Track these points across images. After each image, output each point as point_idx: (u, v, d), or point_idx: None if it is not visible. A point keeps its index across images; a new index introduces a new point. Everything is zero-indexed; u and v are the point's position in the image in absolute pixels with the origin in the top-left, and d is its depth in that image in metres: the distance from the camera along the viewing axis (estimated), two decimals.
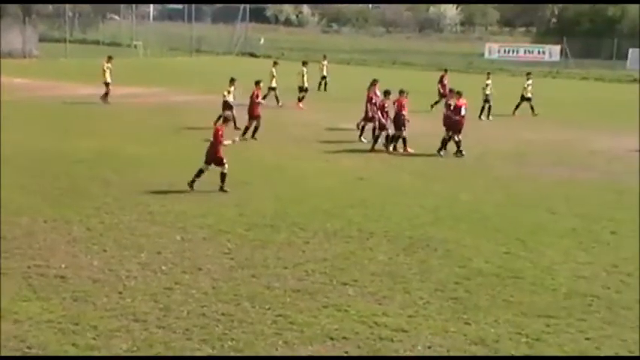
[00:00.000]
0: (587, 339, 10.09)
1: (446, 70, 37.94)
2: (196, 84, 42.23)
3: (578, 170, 22.26)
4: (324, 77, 42.35)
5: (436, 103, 33.91)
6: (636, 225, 16.01)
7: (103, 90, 32.72)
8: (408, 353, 9.51)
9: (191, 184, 17.74)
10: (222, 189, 17.77)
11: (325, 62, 42.99)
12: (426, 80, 36.39)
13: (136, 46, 69.01)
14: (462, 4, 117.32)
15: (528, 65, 65.52)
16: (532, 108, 33.62)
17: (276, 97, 34.19)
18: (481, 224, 15.76)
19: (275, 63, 36.47)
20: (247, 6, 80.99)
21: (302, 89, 35.76)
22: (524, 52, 73.64)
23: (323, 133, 26.44)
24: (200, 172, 17.89)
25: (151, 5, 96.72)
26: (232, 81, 27.60)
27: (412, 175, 20.61)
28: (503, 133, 24.35)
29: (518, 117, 33.39)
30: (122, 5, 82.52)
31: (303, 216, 15.77)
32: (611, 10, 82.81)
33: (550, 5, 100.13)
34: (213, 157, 17.84)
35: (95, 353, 9.17)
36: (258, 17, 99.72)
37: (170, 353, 9.29)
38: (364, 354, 9.46)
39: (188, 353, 9.31)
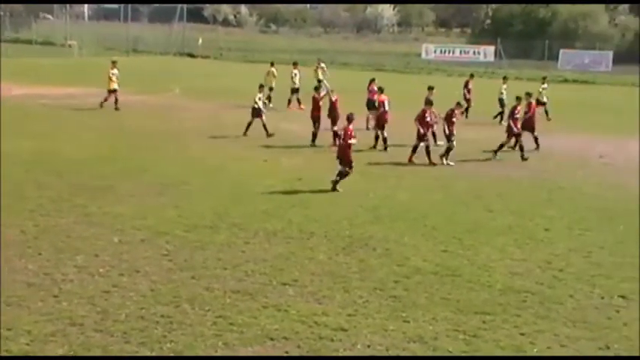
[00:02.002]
0: (521, 334, 10.31)
1: (472, 75, 36.72)
2: (133, 84, 41.68)
3: (513, 169, 22.67)
4: (319, 81, 39.60)
5: (466, 109, 32.95)
6: (567, 221, 16.40)
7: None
8: (348, 352, 9.59)
9: (334, 185, 18.57)
10: (334, 187, 18.54)
11: (323, 65, 40.00)
12: (364, 80, 36.56)
13: (70, 46, 67.88)
14: (398, 4, 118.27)
15: (464, 65, 66.53)
16: (546, 112, 33.41)
17: (269, 98, 33.84)
18: (420, 223, 15.94)
19: (272, 64, 36.13)
20: (184, 6, 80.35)
21: (294, 90, 35.23)
22: (460, 52, 74.59)
23: (263, 134, 26.38)
24: (340, 173, 18.71)
25: (85, 5, 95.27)
26: (261, 87, 27.56)
27: (352, 175, 20.68)
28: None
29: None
30: (55, 5, 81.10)
31: (243, 216, 15.74)
32: (542, 11, 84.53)
33: (484, 6, 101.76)
34: (345, 157, 18.66)
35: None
36: (196, 17, 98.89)
37: None
38: (304, 354, 9.51)
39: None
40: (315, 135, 25.29)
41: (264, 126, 26.23)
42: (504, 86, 33.27)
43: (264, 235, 14.50)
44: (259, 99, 26.81)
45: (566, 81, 58.94)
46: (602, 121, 31.75)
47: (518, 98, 24.76)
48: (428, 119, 22.90)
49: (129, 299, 10.98)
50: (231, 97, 37.27)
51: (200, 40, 75.89)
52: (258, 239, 14.26)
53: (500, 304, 11.36)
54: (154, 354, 9.32)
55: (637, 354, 9.88)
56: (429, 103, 23.27)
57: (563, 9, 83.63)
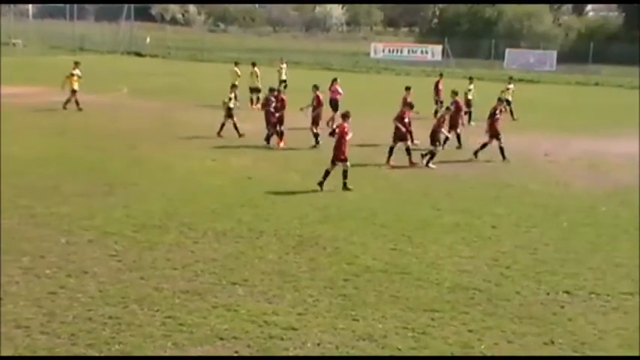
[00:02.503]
0: (469, 331, 10.44)
1: (441, 75, 36.57)
2: (81, 83, 41.09)
3: (461, 167, 22.93)
4: (283, 81, 38.73)
5: (436, 111, 32.71)
6: (514, 219, 16.65)
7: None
8: (298, 351, 9.61)
9: (320, 184, 18.66)
10: (345, 187, 18.66)
11: (284, 65, 40.08)
12: (312, 79, 36.62)
13: (14, 44, 66.69)
14: (346, 4, 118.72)
15: (412, 65, 67.11)
16: (512, 112, 33.57)
17: (257, 98, 33.57)
18: (369, 222, 16.03)
19: (254, 64, 35.74)
20: (132, 5, 79.45)
21: (254, 90, 34.99)
22: (408, 51, 75.11)
23: (212, 133, 26.25)
24: (327, 173, 18.75)
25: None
26: (233, 87, 27.11)
27: (301, 174, 20.74)
28: (391, 132, 24.80)
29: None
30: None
31: (192, 216, 15.66)
32: (489, 11, 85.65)
33: (431, 6, 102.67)
34: (340, 155, 18.65)
35: None
36: (144, 16, 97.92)
37: None
38: (254, 353, 9.50)
39: None
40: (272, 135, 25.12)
41: (235, 125, 25.98)
42: (471, 86, 33.22)
43: (213, 235, 14.44)
44: (230, 99, 26.41)
45: (511, 80, 59.71)
46: (546, 119, 32.26)
47: (500, 99, 24.89)
48: (406, 120, 22.95)
49: (76, 300, 10.85)
50: (180, 96, 37.09)
51: (148, 39, 75.20)
52: (208, 239, 14.20)
53: (449, 302, 11.49)
54: (102, 355, 9.23)
55: (582, 348, 10.08)
56: (409, 105, 23.47)
57: (509, 9, 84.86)
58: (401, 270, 12.85)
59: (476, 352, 9.80)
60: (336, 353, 9.61)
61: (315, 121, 25.39)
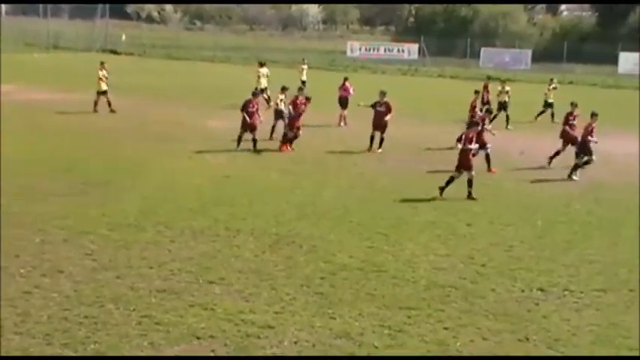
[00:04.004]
0: (445, 328, 10.50)
1: (489, 78, 35.85)
2: (56, 81, 40.88)
3: (437, 165, 22.99)
4: (303, 82, 36.42)
5: (495, 116, 32.80)
6: (489, 217, 16.75)
7: None
8: (275, 349, 9.62)
9: (441, 190, 18.45)
10: (470, 196, 18.35)
11: (305, 66, 39.03)
12: (289, 78, 36.63)
13: None
14: (323, 3, 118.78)
15: (388, 63, 67.26)
16: (552, 115, 33.05)
17: (269, 97, 32.48)
18: (345, 219, 16.07)
19: (262, 64, 35.13)
20: (107, 4, 78.94)
21: (262, 90, 34.35)
22: (385, 50, 75.35)
23: (189, 131, 26.19)
24: (451, 179, 18.52)
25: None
26: (284, 89, 25.96)
27: (278, 173, 20.75)
28: (365, 131, 24.94)
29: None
30: None
31: (168, 215, 15.61)
32: (464, 10, 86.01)
33: (407, 5, 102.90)
34: (464, 163, 18.42)
35: None
36: (119, 14, 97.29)
37: None
38: (231, 352, 9.50)
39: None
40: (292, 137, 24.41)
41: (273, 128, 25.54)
42: (507, 88, 32.85)
43: (190, 234, 14.41)
44: (281, 100, 25.54)
45: (488, 79, 59.99)
46: (522, 118, 32.41)
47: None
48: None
49: (51, 300, 10.79)
50: (156, 95, 36.92)
51: (123, 37, 74.77)
52: (184, 238, 14.17)
53: (425, 299, 11.55)
54: (77, 355, 9.19)
55: (557, 345, 10.17)
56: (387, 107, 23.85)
57: (484, 8, 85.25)
58: (377, 268, 12.90)
59: (451, 350, 9.86)
60: (312, 351, 9.64)
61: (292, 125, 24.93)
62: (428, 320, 10.76)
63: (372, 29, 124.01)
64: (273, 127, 25.48)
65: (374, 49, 75.82)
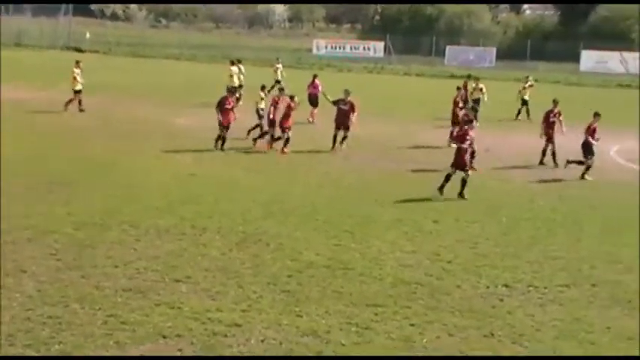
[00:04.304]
0: (411, 325, 10.56)
1: (469, 76, 35.62)
2: (19, 79, 40.33)
3: (403, 162, 23.12)
4: (278, 81, 36.42)
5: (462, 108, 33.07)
6: (455, 214, 16.87)
7: None
8: (242, 347, 9.61)
9: (441, 189, 18.35)
10: (461, 195, 18.24)
11: (279, 65, 38.88)
12: (257, 76, 36.59)
13: None
14: (289, 3, 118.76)
15: (355, 61, 67.36)
16: (527, 112, 33.27)
17: (240, 96, 32.30)
18: (312, 217, 16.09)
19: (238, 61, 35.16)
20: (70, 4, 78.16)
21: (236, 89, 34.23)
22: (351, 48, 75.51)
23: (155, 129, 26.04)
24: (448, 176, 18.40)
25: None
26: (263, 88, 26.18)
27: (245, 171, 20.72)
28: (331, 129, 25.02)
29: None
30: None
31: (134, 213, 15.51)
32: (429, 8, 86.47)
33: (373, 4, 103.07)
34: (458, 161, 18.36)
35: None
36: (83, 11, 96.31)
37: None
38: (198, 350, 9.47)
39: None
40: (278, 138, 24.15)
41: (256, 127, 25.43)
42: (481, 86, 33.09)
43: (155, 232, 14.34)
44: (262, 99, 25.63)
45: (453, 76, 60.35)
46: (487, 115, 32.64)
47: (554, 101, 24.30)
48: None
49: (14, 300, 10.67)
50: (122, 93, 36.65)
51: (87, 35, 74.05)
52: (150, 236, 14.09)
53: (391, 296, 11.61)
54: (40, 355, 9.11)
55: (521, 340, 10.27)
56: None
57: (449, 7, 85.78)
58: (344, 265, 12.93)
59: (418, 346, 9.92)
60: (279, 349, 9.64)
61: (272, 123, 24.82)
62: (394, 317, 10.81)
63: (338, 27, 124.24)
64: (257, 125, 25.40)
65: (340, 47, 75.95)
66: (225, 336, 9.89)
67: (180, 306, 10.77)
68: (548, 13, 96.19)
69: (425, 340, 10.09)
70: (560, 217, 17.17)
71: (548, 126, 23.57)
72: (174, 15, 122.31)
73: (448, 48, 71.06)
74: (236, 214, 15.92)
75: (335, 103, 24.48)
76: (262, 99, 25.55)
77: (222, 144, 23.41)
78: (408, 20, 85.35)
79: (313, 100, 30.49)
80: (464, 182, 18.54)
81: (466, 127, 19.41)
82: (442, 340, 10.14)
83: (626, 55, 63.95)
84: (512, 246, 14.61)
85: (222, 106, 23.46)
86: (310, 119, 30.02)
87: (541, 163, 23.40)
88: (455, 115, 26.08)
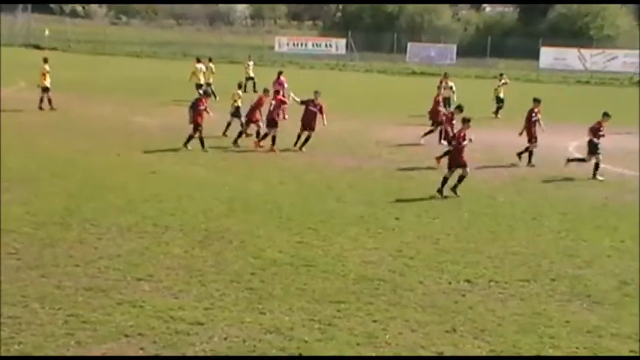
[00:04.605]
0: (374, 321, 10.61)
1: (445, 74, 35.42)
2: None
3: (364, 159, 23.22)
4: (250, 78, 37.86)
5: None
6: (417, 210, 16.98)
7: None
8: (205, 346, 9.58)
9: (440, 192, 18.35)
10: (455, 189, 18.52)
11: (251, 63, 39.41)
12: (217, 73, 36.45)
13: None
14: (250, 3, 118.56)
15: (317, 58, 67.45)
16: (498, 110, 33.38)
17: (213, 93, 32.18)
18: (274, 214, 16.09)
19: (209, 60, 35.19)
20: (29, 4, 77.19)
21: (200, 86, 34.07)
22: (313, 45, 75.54)
23: (116, 127, 25.80)
24: (445, 179, 18.35)
25: None
26: (240, 86, 26.14)
27: (207, 168, 20.65)
28: (295, 126, 25.01)
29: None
30: None
31: (95, 212, 15.38)
32: (390, 6, 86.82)
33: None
34: (457, 160, 18.31)
35: None
36: (42, 8, 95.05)
37: None
38: (160, 349, 9.43)
39: None
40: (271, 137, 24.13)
41: (228, 126, 25.55)
42: (451, 83, 33.50)
43: (117, 231, 14.23)
44: (239, 97, 25.63)
45: (414, 73, 60.79)
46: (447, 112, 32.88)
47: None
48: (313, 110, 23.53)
49: None
50: (82, 90, 36.26)
51: (47, 32, 73.16)
52: (112, 235, 13.99)
53: (354, 293, 11.65)
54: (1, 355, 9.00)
55: (482, 335, 10.37)
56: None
57: (410, 5, 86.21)
58: (307, 262, 12.95)
59: (381, 342, 9.97)
60: (243, 347, 9.63)
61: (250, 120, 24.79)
62: (357, 313, 10.86)
63: (299, 24, 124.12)
64: (234, 125, 25.46)
65: (302, 44, 75.94)
66: (188, 334, 9.86)
67: (143, 305, 10.71)
68: (508, 11, 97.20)
69: (387, 336, 10.14)
70: (519, 212, 17.36)
71: (531, 125, 23.39)
72: (134, 12, 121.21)
73: (409, 45, 71.45)
74: (198, 212, 15.87)
75: (304, 103, 24.38)
76: (239, 97, 25.56)
77: (202, 144, 22.97)
78: (369, 17, 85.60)
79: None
80: (461, 179, 18.67)
81: (465, 125, 19.12)
82: (405, 336, 10.20)
83: (584, 51, 64.83)
84: (474, 241, 14.75)
85: (196, 108, 23.15)
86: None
87: (530, 163, 23.12)
88: (435, 114, 26.05)
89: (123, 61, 59.91)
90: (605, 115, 21.98)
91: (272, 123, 23.79)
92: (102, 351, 9.31)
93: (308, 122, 24.12)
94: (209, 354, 9.43)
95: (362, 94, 43.62)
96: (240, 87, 26.27)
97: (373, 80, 55.17)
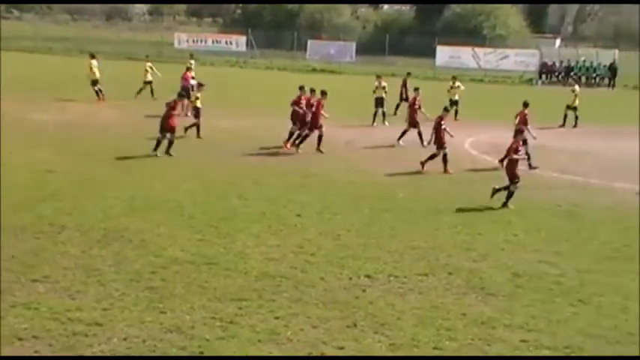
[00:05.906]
0: (276, 318, 10.65)
1: (408, 74, 35.33)
2: None
3: (265, 157, 23.23)
4: (148, 82, 35.44)
5: (397, 106, 33.17)
6: (318, 207, 17.10)
7: None
8: (103, 346, 9.43)
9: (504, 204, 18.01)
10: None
11: (149, 64, 36.69)
12: (114, 69, 35.77)
13: None
14: (150, 3, 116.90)
15: (217, 55, 66.97)
16: (456, 113, 33.13)
17: (152, 91, 33.42)
18: (176, 213, 15.94)
19: (93, 56, 34.25)
20: None
21: (95, 82, 33.39)
22: (213, 42, 75.03)
23: (10, 124, 25.00)
24: (507, 188, 18.10)
25: None
26: (200, 86, 25.83)
27: (106, 167, 20.26)
28: (202, 122, 24.92)
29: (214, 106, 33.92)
30: None
31: None
32: (290, 5, 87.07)
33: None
34: (513, 172, 18.05)
35: None
36: None
37: None
38: (56, 351, 9.22)
39: None
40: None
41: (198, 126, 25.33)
42: (457, 83, 33.79)
43: (11, 231, 13.83)
44: (197, 98, 25.51)
45: (314, 70, 61.06)
46: (349, 110, 33.20)
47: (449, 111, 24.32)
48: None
49: None
50: None
51: None
52: (6, 235, 13.58)
53: (256, 290, 11.67)
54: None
55: (382, 329, 10.55)
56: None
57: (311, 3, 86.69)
58: (209, 260, 12.89)
59: (282, 339, 10.02)
60: (142, 347, 9.52)
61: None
62: (259, 310, 10.88)
63: (199, 21, 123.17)
64: (195, 124, 25.41)
65: (202, 41, 75.33)
66: (86, 335, 9.67)
67: (38, 306, 10.45)
68: (405, 9, 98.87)
69: (289, 333, 10.20)
70: (419, 208, 17.69)
71: (440, 132, 23.52)
72: (28, 7, 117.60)
73: (309, 42, 71.79)
74: (97, 211, 15.57)
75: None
76: (197, 98, 25.64)
77: (169, 147, 22.32)
78: (269, 15, 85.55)
79: (186, 92, 29.83)
80: (511, 193, 18.13)
81: (518, 137, 19.21)
82: (306, 332, 10.28)
83: (478, 50, 66.51)
84: (374, 237, 14.96)
85: (169, 111, 22.48)
86: (187, 112, 29.50)
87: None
88: (412, 116, 26.00)
89: (16, 56, 58.01)
90: (525, 105, 23.90)
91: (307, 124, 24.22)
92: None
93: (314, 122, 24.05)
94: (108, 354, 9.29)
95: (262, 91, 43.54)
96: (200, 86, 26.37)
97: (274, 77, 55.16)
